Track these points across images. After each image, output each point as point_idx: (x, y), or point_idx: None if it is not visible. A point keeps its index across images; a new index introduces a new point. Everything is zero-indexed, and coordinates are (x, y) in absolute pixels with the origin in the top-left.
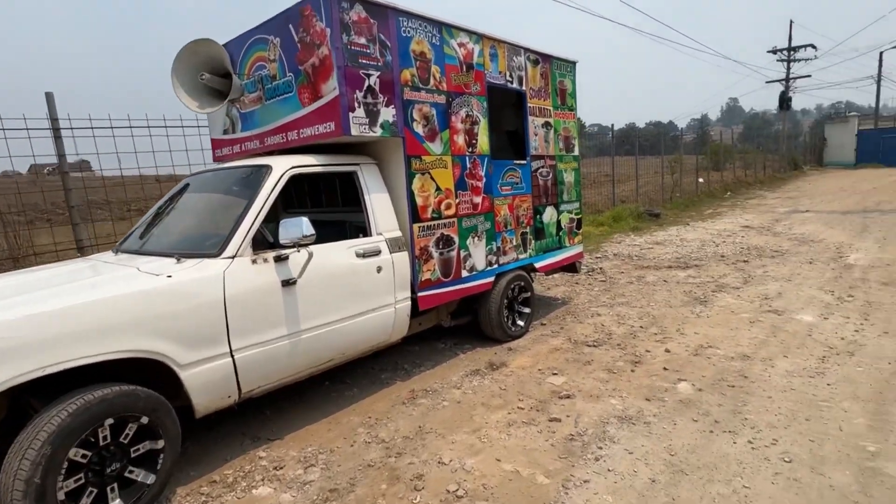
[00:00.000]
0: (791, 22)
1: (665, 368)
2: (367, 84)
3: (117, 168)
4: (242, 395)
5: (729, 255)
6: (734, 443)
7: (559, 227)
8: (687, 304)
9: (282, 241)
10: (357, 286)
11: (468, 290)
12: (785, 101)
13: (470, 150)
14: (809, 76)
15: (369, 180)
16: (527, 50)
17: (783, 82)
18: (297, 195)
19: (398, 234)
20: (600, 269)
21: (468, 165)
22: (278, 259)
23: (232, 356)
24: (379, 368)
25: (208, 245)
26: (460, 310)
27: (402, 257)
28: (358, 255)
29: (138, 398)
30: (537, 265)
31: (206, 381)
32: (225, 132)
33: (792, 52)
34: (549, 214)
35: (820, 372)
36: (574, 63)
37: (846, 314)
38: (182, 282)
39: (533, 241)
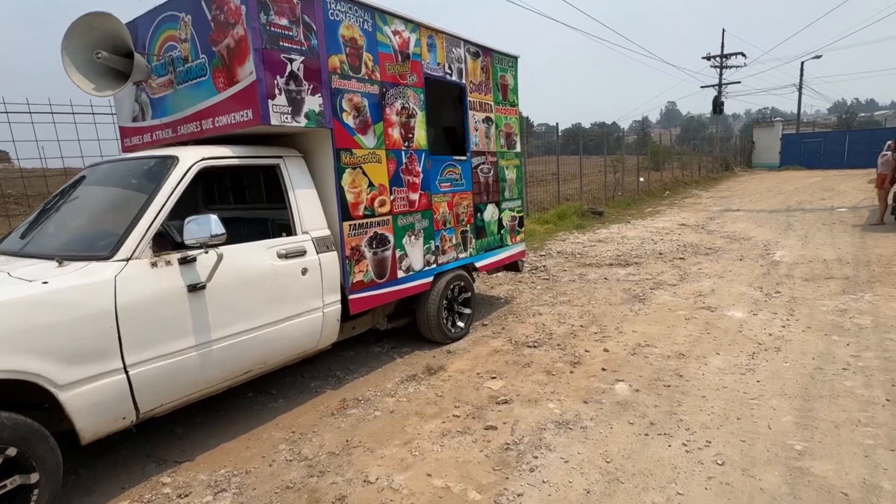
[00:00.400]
0: (723, 30)
1: (603, 369)
2: (289, 69)
3: (36, 158)
4: (141, 415)
5: (666, 252)
6: (669, 446)
7: (501, 226)
8: (626, 302)
9: (187, 242)
10: (278, 290)
11: (405, 291)
12: (718, 105)
13: (406, 144)
14: (739, 82)
15: (294, 175)
16: (467, 42)
17: (716, 87)
18: (218, 190)
19: (326, 232)
20: (544, 267)
21: (404, 160)
22: (184, 261)
23: (126, 372)
24: (309, 376)
25: (100, 246)
26: (398, 311)
27: (331, 258)
28: (280, 256)
29: (2, 427)
30: (478, 264)
31: (93, 402)
32: (134, 119)
33: (724, 59)
34: (490, 212)
35: (750, 368)
36: (516, 58)
37: (773, 310)
38: (59, 289)
39: (474, 240)
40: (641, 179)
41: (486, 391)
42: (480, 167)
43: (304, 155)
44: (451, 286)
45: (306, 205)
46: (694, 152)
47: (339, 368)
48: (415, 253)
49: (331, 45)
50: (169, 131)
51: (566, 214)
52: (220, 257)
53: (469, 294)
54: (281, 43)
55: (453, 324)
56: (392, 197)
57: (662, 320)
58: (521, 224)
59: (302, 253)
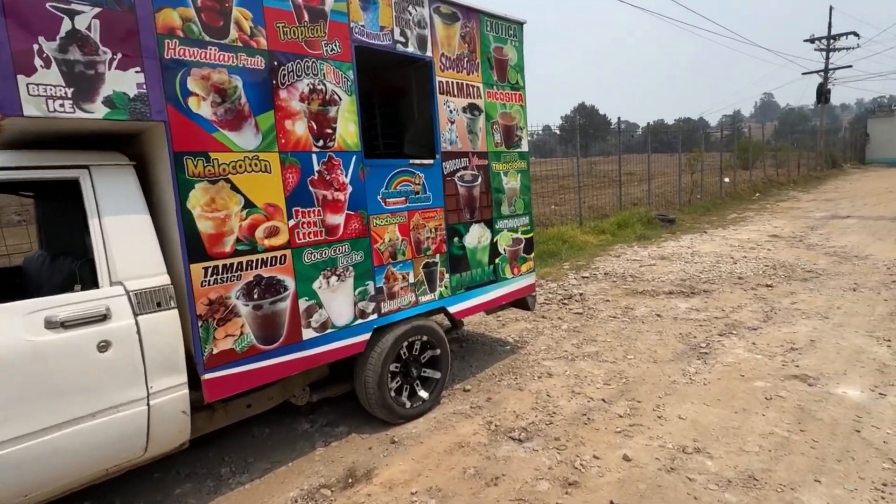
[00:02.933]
0: (831, 8)
1: (612, 503)
2: (67, 28)
3: None
4: None
5: (749, 275)
6: None
7: (495, 253)
8: (679, 358)
9: None
10: (45, 379)
11: (317, 358)
12: (823, 93)
13: (320, 143)
14: (851, 66)
15: (105, 194)
16: None
17: (821, 73)
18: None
19: (160, 281)
20: (580, 295)
21: (316, 167)
22: None
23: None
24: (187, 471)
25: None
26: (334, 374)
27: (163, 320)
28: (51, 326)
29: None
30: (453, 309)
31: None
32: None
33: (832, 41)
34: (475, 235)
35: None
36: (520, 24)
37: None
38: None
39: (447, 275)
40: (726, 180)
41: None
42: (459, 174)
43: (138, 163)
44: (406, 343)
45: (123, 240)
46: (792, 147)
47: (234, 460)
48: (337, 301)
49: None
50: None
51: (628, 223)
52: None
53: (438, 351)
54: None
55: (411, 394)
56: (292, 222)
57: (729, 397)
58: (528, 249)
59: (100, 318)
